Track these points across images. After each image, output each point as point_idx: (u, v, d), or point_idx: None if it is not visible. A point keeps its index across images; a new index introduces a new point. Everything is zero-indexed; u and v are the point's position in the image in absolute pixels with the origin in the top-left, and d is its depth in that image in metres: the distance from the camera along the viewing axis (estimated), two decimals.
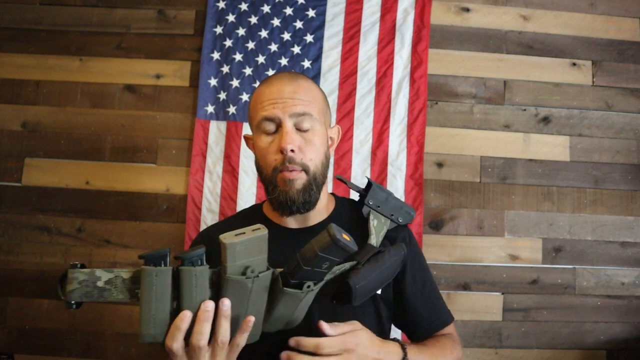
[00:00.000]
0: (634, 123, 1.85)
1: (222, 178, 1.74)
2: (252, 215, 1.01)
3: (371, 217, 0.90)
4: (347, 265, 0.80)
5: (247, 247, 0.65)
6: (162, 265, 0.62)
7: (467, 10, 1.88)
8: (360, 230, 0.91)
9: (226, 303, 0.66)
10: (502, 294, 1.74)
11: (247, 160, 1.75)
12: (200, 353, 0.67)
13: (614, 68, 1.87)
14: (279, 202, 0.88)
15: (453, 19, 1.88)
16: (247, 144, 0.99)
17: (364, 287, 0.78)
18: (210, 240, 0.79)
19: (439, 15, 1.87)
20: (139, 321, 0.63)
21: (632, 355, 1.73)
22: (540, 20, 1.89)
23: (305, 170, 0.87)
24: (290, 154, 0.85)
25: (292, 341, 0.75)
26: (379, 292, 0.90)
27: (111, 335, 1.69)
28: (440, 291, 1.01)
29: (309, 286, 0.69)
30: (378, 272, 0.80)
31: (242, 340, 0.70)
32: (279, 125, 0.87)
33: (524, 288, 1.74)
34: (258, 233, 0.65)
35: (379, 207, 0.90)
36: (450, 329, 0.98)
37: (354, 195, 1.21)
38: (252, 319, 0.68)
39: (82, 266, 0.64)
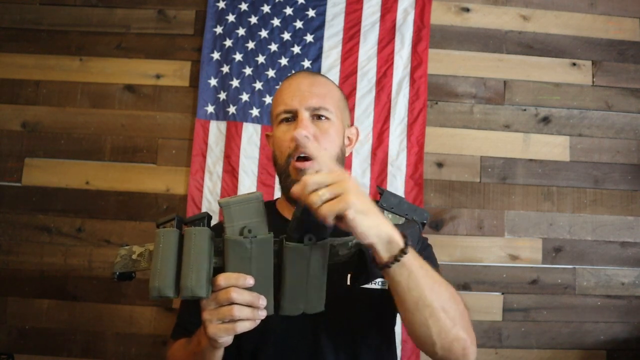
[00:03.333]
0: (634, 123, 1.85)
1: (222, 178, 1.74)
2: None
3: (385, 212, 0.88)
4: (355, 238, 0.78)
5: (242, 208, 0.69)
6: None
7: (467, 10, 1.88)
8: None
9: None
10: (502, 294, 1.74)
11: (247, 160, 1.75)
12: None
13: (614, 68, 1.87)
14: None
15: (453, 19, 1.88)
16: (268, 142, 1.03)
17: None
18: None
19: (439, 15, 1.87)
20: (150, 278, 0.70)
21: (632, 355, 1.73)
22: (540, 20, 1.88)
23: None
24: (304, 140, 0.85)
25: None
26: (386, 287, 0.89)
27: (111, 335, 1.69)
28: None
29: (310, 238, 0.70)
30: None
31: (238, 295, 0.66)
32: (296, 117, 0.91)
33: (524, 288, 1.74)
34: (252, 195, 0.70)
35: (392, 208, 0.90)
36: None
37: None
38: (249, 278, 0.67)
39: (127, 245, 0.78)
